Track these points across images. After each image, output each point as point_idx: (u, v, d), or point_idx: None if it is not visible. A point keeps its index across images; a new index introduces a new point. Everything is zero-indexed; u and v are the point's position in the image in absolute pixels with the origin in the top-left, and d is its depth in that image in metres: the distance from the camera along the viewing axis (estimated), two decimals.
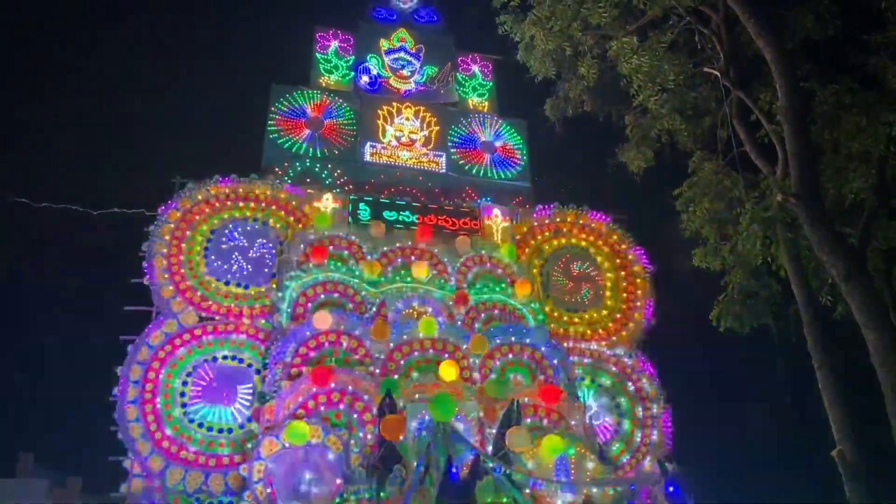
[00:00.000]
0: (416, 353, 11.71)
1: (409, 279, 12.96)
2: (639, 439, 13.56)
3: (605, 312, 14.65)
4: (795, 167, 12.18)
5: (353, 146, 15.54)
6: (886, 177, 13.94)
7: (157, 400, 11.70)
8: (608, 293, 14.80)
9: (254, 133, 15.51)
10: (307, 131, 15.40)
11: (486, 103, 17.59)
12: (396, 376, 11.17)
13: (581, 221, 15.40)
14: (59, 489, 18.20)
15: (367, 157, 15.48)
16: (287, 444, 9.68)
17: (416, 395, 10.66)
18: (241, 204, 13.53)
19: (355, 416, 10.51)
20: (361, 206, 14.30)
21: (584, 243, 15.29)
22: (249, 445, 11.34)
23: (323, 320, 11.41)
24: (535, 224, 15.20)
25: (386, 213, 14.30)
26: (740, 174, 14.90)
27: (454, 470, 8.95)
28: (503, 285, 13.49)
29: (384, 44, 17.14)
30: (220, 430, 11.77)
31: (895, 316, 13.15)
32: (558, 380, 12.00)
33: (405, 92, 16.80)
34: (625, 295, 14.88)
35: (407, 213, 14.52)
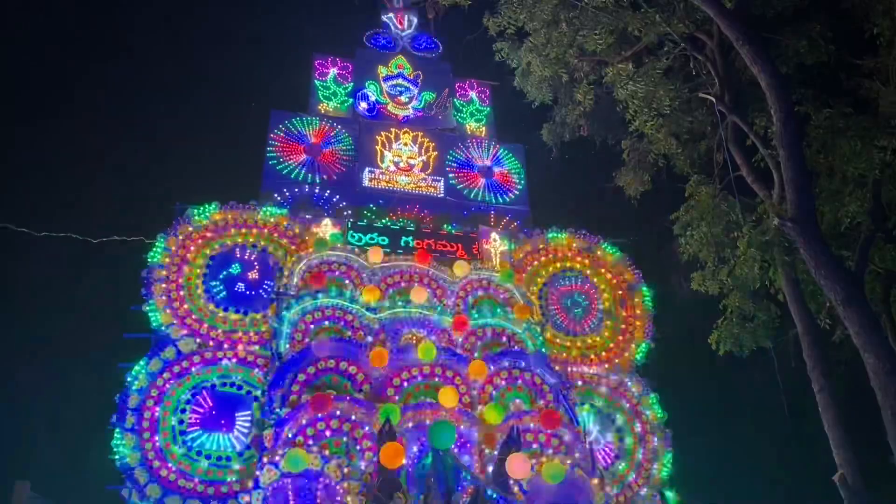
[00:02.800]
0: (415, 379, 11.68)
1: (408, 304, 12.95)
2: (640, 457, 13.46)
3: (604, 336, 14.61)
4: (791, 191, 12.29)
5: (351, 172, 15.61)
6: (882, 200, 14.07)
7: (156, 428, 11.65)
8: (607, 317, 14.77)
9: (253, 159, 15.60)
10: (306, 157, 15.48)
11: (484, 128, 17.69)
12: (395, 403, 11.12)
13: (580, 245, 15.41)
14: None
15: (366, 183, 15.56)
16: (286, 473, 9.62)
17: (417, 421, 10.61)
18: (239, 230, 13.56)
19: (354, 443, 10.45)
20: (360, 231, 14.33)
21: (582, 267, 15.28)
22: (248, 474, 11.28)
23: (322, 347, 11.39)
24: (534, 248, 15.21)
25: (384, 239, 14.33)
26: (737, 198, 15.01)
27: (453, 499, 8.90)
28: (502, 310, 13.48)
29: (382, 70, 17.28)
30: (219, 458, 11.72)
31: (893, 339, 13.16)
32: (558, 405, 11.96)
33: (403, 118, 16.92)
34: (624, 318, 14.84)
35: (405, 237, 14.55)
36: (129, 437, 11.50)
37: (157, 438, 11.59)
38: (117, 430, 11.55)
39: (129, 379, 11.89)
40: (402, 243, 14.41)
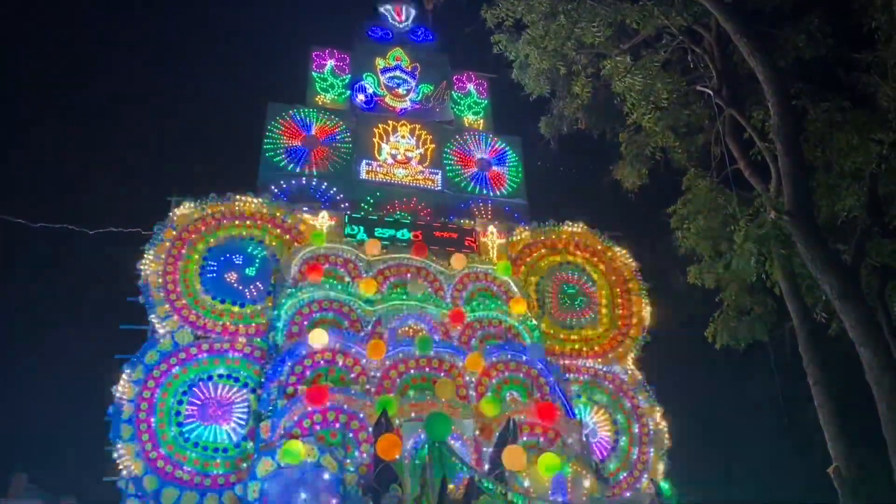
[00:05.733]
0: (412, 371, 11.70)
1: (404, 297, 12.96)
2: (635, 457, 13.53)
3: (601, 329, 14.64)
4: (788, 185, 12.29)
5: (348, 164, 15.59)
6: (878, 194, 14.05)
7: (152, 419, 11.66)
8: (604, 310, 14.79)
9: (249, 151, 15.57)
10: (303, 149, 15.46)
11: (482, 121, 17.69)
12: (392, 395, 11.15)
13: (577, 238, 15.42)
14: None
15: (363, 175, 15.54)
16: (282, 464, 9.64)
17: (412, 414, 10.63)
18: (236, 222, 13.54)
19: (351, 435, 10.47)
20: (357, 223, 14.31)
21: (579, 260, 15.30)
22: (245, 465, 11.31)
23: (319, 338, 11.40)
24: (531, 241, 15.21)
25: (381, 231, 14.31)
26: (734, 191, 15.01)
27: (449, 490, 8.92)
28: (499, 302, 13.50)
29: (380, 62, 17.26)
30: (216, 450, 11.73)
31: (889, 333, 13.18)
32: (554, 397, 12.00)
33: (401, 110, 16.90)
34: (620, 312, 14.87)
35: (402, 230, 14.53)
36: (126, 429, 11.51)
37: (154, 430, 11.60)
38: (114, 421, 11.56)
39: (125, 370, 11.90)
40: (399, 236, 14.39)
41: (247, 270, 13.22)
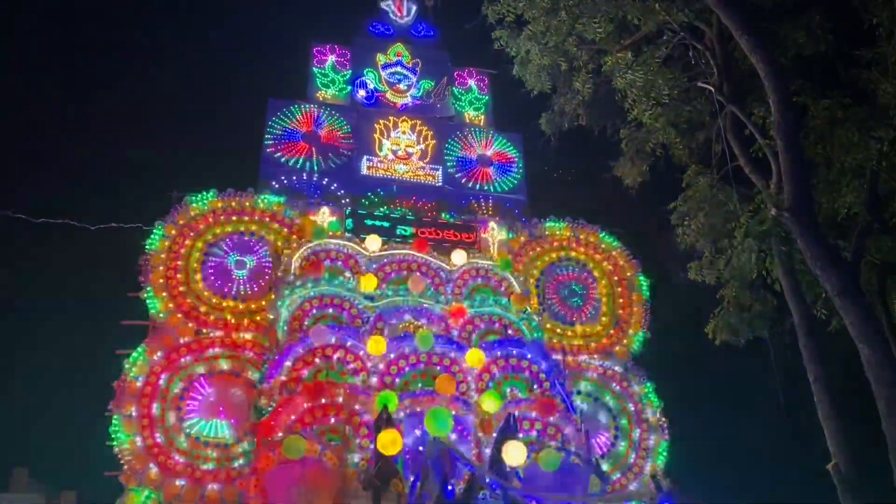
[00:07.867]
0: (412, 367, 11.72)
1: (405, 293, 12.97)
2: (634, 454, 13.57)
3: (601, 326, 14.66)
4: (788, 182, 12.31)
5: (349, 160, 15.59)
6: (879, 191, 14.07)
7: (154, 414, 11.70)
8: (604, 306, 14.81)
9: (250, 147, 15.57)
10: (304, 145, 15.44)
11: (483, 117, 17.64)
12: (393, 390, 11.17)
13: (577, 235, 15.42)
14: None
15: (364, 171, 15.53)
16: (283, 459, 9.66)
17: (414, 409, 10.66)
18: (237, 218, 13.56)
19: (352, 430, 10.50)
20: (357, 219, 14.31)
21: (580, 256, 15.31)
22: (246, 460, 11.34)
23: (319, 334, 11.42)
24: (531, 237, 15.22)
25: (381, 227, 14.31)
26: (734, 188, 15.02)
27: (449, 486, 8.95)
28: (500, 298, 13.51)
29: (381, 58, 17.21)
30: (217, 445, 11.77)
31: (889, 330, 13.22)
32: (554, 393, 12.02)
33: (402, 106, 16.87)
34: (621, 308, 14.88)
35: (404, 226, 14.54)
36: (127, 423, 11.56)
37: (155, 424, 11.64)
38: (115, 416, 11.61)
39: (126, 365, 11.94)
40: (400, 232, 14.41)
41: (248, 266, 13.26)
